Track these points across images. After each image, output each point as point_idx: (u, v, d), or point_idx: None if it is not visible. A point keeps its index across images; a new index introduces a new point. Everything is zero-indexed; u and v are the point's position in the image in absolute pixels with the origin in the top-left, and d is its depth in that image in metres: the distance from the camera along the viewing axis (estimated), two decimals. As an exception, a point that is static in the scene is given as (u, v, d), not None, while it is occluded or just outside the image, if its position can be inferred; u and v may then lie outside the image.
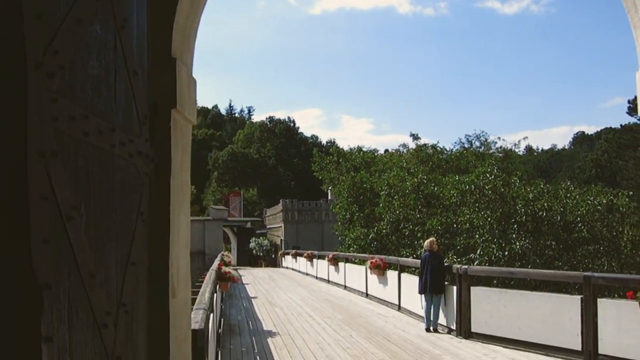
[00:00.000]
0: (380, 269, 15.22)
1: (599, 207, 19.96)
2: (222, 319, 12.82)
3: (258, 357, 8.94)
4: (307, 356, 8.93)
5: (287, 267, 38.38)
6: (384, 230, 21.68)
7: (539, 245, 16.41)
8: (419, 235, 19.04)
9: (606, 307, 8.08)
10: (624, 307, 7.88)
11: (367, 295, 17.02)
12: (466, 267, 10.49)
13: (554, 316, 8.73)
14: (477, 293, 10.14)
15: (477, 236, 16.47)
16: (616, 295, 11.21)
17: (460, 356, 8.82)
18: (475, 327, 10.07)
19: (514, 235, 16.13)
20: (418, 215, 19.28)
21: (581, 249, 18.78)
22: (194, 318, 4.31)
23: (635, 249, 21.70)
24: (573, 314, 8.42)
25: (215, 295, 9.39)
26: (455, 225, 17.49)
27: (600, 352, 8.07)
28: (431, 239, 11.45)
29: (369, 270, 16.24)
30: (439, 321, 11.06)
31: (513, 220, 17.58)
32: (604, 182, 44.20)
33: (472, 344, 9.78)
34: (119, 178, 2.79)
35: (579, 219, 18.09)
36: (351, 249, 24.22)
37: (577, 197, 20.67)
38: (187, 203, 3.92)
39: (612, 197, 22.01)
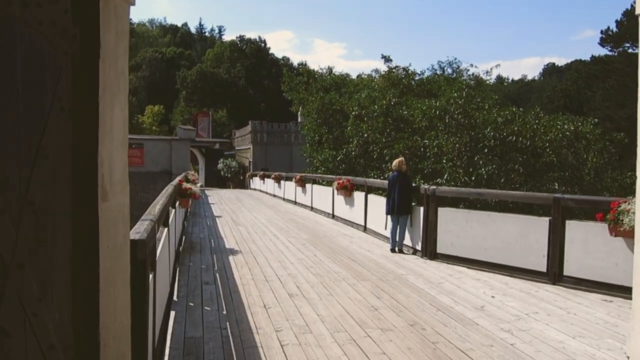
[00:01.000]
0: (347, 190, 14.94)
1: (567, 134, 19.88)
2: (184, 237, 12.48)
3: (217, 275, 8.62)
4: (268, 274, 8.65)
5: (255, 189, 38.17)
6: (352, 153, 21.34)
7: (506, 170, 16.27)
8: (387, 158, 18.74)
9: (574, 229, 7.91)
10: (591, 229, 7.71)
11: (333, 216, 16.83)
12: (434, 187, 10.21)
13: (520, 238, 8.57)
14: (444, 214, 9.92)
15: (444, 161, 16.20)
16: (582, 219, 11.13)
17: (424, 276, 8.66)
18: (440, 248, 9.90)
19: (480, 162, 15.90)
20: (384, 140, 18.89)
21: (547, 175, 18.77)
22: (136, 228, 3.87)
23: (598, 176, 21.90)
24: (540, 236, 8.25)
25: (174, 211, 8.95)
26: (423, 149, 17.19)
27: (565, 273, 7.97)
28: (400, 158, 11.08)
29: (336, 191, 15.97)
30: (405, 242, 10.89)
31: (481, 144, 17.34)
32: (572, 112, 44.21)
33: (437, 264, 9.64)
34: (21, 48, 2.23)
35: (547, 144, 17.95)
36: (319, 171, 23.91)
37: (546, 123, 20.53)
38: (123, 95, 3.35)
39: (579, 124, 21.97)
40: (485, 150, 16.46)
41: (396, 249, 10.79)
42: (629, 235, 7.05)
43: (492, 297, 7.32)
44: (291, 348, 5.35)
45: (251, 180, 41.61)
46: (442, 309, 6.75)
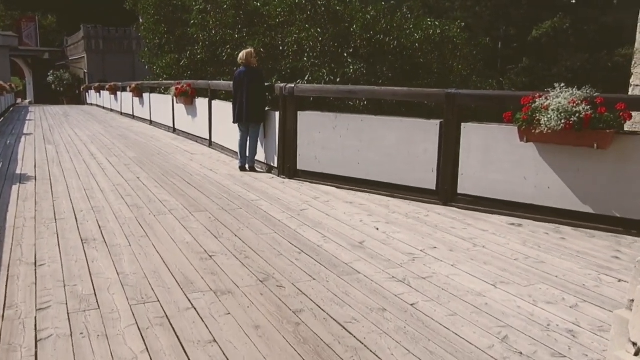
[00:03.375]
0: (188, 97, 12.42)
1: (434, 37, 18.65)
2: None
3: (-22, 214, 5.99)
4: (61, 209, 6.16)
5: (92, 104, 34.25)
6: (198, 56, 18.52)
7: (375, 72, 14.57)
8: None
9: (471, 133, 6.22)
10: (494, 133, 6.07)
11: (174, 130, 14.30)
12: (292, 85, 8.06)
13: (403, 148, 6.78)
14: (306, 120, 7.87)
15: (305, 59, 14.07)
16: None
17: (282, 201, 6.66)
18: (302, 164, 7.93)
19: (349, 59, 14.02)
20: (237, 36, 16.29)
21: (414, 82, 17.47)
22: None
23: (464, 83, 21.20)
24: (429, 144, 6.51)
25: None
26: (281, 48, 14.93)
27: (459, 191, 6.35)
28: (248, 49, 8.70)
29: (175, 100, 13.37)
30: (257, 157, 8.80)
31: (346, 45, 15.45)
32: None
33: (298, 185, 7.68)
34: None
35: (416, 45, 16.47)
36: (161, 79, 20.88)
37: (413, 25, 19.15)
38: None
39: (446, 27, 20.94)
40: (351, 51, 14.59)
41: (247, 166, 8.69)
42: (545, 139, 5.49)
43: (376, 228, 5.49)
44: (52, 346, 3.11)
45: (87, 94, 37.23)
46: (306, 250, 4.80)
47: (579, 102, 5.32)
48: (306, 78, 13.56)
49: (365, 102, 13.20)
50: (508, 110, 5.84)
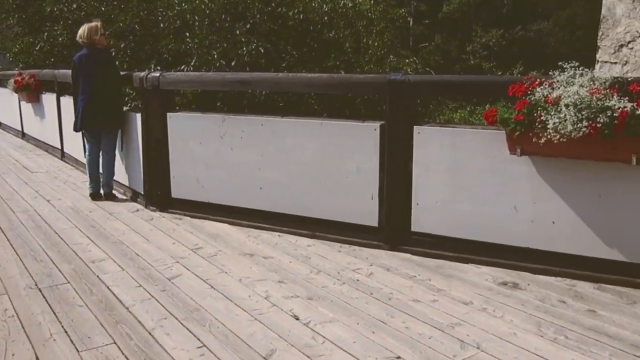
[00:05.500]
0: (31, 92, 9.80)
1: (346, 10, 16.84)
2: None
3: None
4: None
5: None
6: (60, 39, 15.61)
7: (279, 52, 12.44)
8: (112, 42, 13.61)
9: (430, 141, 4.27)
10: (467, 141, 4.14)
11: (23, 135, 11.60)
12: (158, 74, 5.78)
13: (327, 163, 4.73)
14: (179, 124, 5.63)
15: (188, 39, 11.68)
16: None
17: (142, 260, 4.43)
18: (178, 190, 5.69)
19: (243, 39, 11.81)
20: (104, 9, 13.63)
21: (327, 62, 15.54)
22: None
23: (379, 64, 19.62)
24: (364, 158, 4.51)
25: None
26: (162, 25, 12.50)
27: (414, 228, 4.39)
28: (92, 24, 6.24)
29: (18, 96, 10.71)
30: (117, 178, 6.48)
31: (242, 22, 13.27)
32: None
33: (173, 223, 5.44)
34: None
35: (326, 18, 14.49)
36: (17, 69, 17.77)
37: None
38: None
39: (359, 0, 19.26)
40: (248, 26, 12.39)
41: (102, 191, 6.36)
42: (551, 151, 3.62)
43: (294, 316, 3.38)
44: None
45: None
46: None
47: (605, 91, 3.48)
48: (193, 62, 11.23)
49: (264, 95, 11.01)
50: (485, 105, 3.93)
